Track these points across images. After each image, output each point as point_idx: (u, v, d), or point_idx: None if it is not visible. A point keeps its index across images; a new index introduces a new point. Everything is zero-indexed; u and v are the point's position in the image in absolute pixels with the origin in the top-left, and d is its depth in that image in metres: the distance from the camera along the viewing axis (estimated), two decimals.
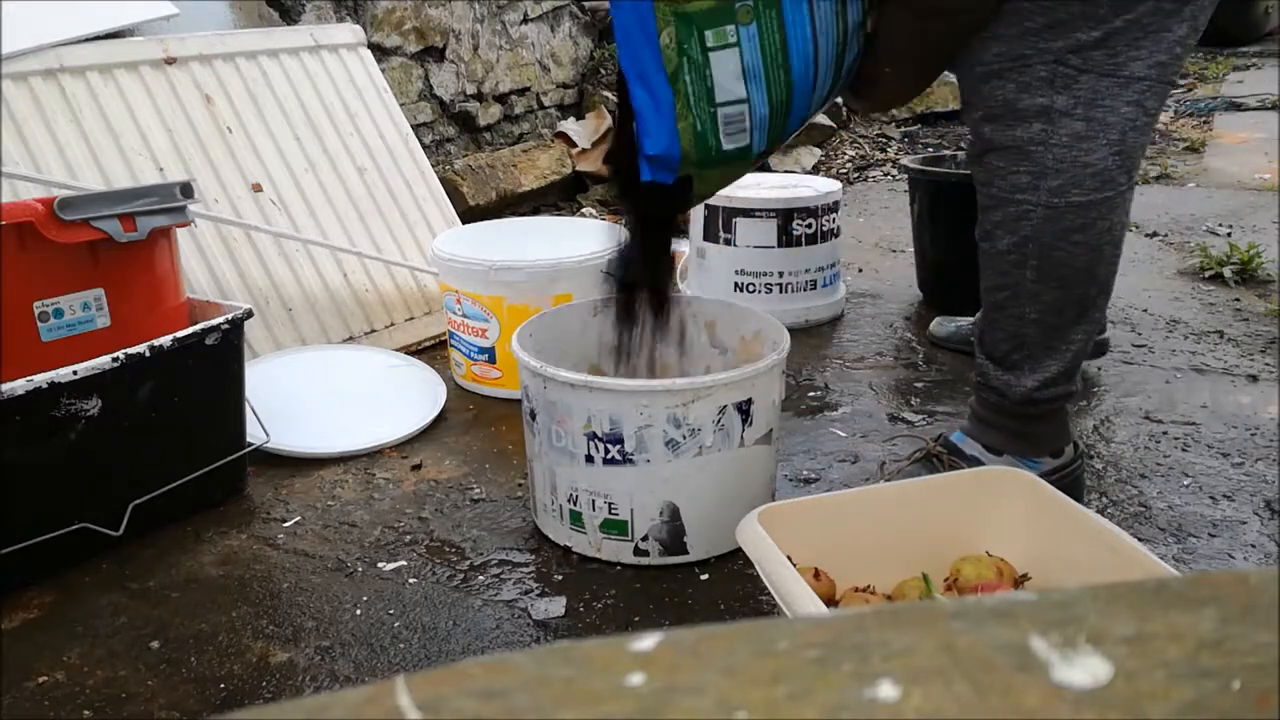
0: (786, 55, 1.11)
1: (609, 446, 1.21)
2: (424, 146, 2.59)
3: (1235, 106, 4.61)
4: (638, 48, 1.10)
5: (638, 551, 1.26)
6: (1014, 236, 1.18)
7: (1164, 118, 4.40)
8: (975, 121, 1.19)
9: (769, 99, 1.13)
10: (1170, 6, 1.07)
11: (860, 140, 4.20)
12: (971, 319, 1.98)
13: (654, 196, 1.19)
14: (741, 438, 1.24)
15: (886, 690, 0.23)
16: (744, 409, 1.22)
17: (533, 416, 1.29)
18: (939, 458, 1.34)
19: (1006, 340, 1.25)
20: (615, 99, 1.22)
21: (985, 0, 1.10)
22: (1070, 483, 1.29)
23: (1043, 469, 1.26)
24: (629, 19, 1.09)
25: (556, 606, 1.19)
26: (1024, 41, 1.10)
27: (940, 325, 2.03)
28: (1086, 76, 1.09)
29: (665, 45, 1.08)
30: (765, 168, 2.98)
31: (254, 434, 1.52)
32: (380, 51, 2.82)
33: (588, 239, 1.87)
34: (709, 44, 1.08)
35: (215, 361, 1.40)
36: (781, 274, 2.12)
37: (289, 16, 2.58)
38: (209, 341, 1.37)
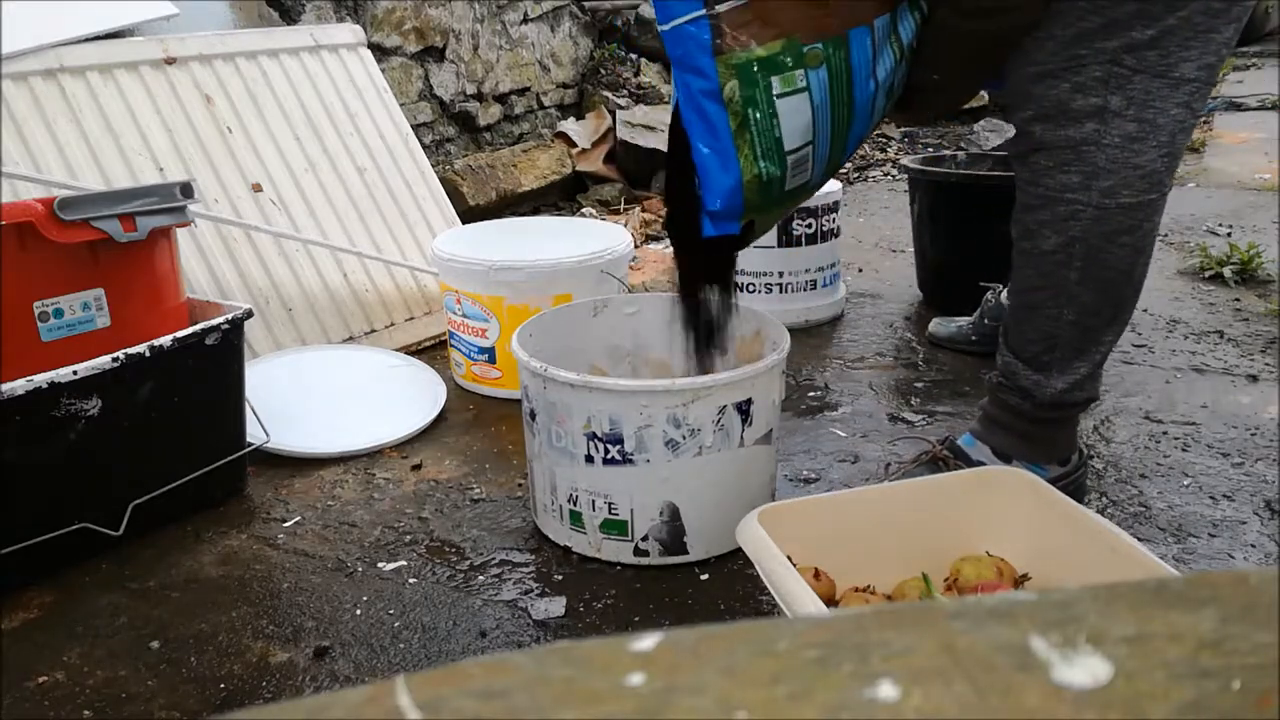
0: (851, 93, 1.10)
1: (609, 446, 1.21)
2: (424, 146, 2.60)
3: (1235, 106, 4.61)
4: (702, 104, 1.06)
5: (638, 551, 1.26)
6: (1061, 237, 1.17)
7: None
8: (1024, 121, 1.18)
9: (832, 136, 1.12)
10: (1219, 5, 1.07)
11: None
12: (969, 318, 1.98)
13: (715, 244, 1.18)
14: (741, 438, 1.23)
15: (886, 690, 0.23)
16: (744, 409, 1.22)
17: (533, 416, 1.29)
18: (944, 461, 1.34)
19: (1039, 340, 1.24)
20: (665, 151, 1.19)
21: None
22: (1073, 489, 1.29)
23: (1049, 476, 1.26)
24: (691, 76, 1.06)
25: (556, 606, 1.19)
26: (1080, 42, 1.09)
27: (940, 325, 2.03)
28: (1140, 77, 1.09)
29: (729, 99, 1.05)
30: None
31: (254, 434, 1.52)
32: (380, 51, 2.82)
33: (588, 239, 1.87)
34: (776, 91, 1.05)
35: (215, 361, 1.40)
36: (781, 274, 2.12)
37: (289, 16, 2.58)
38: (209, 341, 1.37)
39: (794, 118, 1.07)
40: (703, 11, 1.03)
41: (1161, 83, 1.09)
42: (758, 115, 1.06)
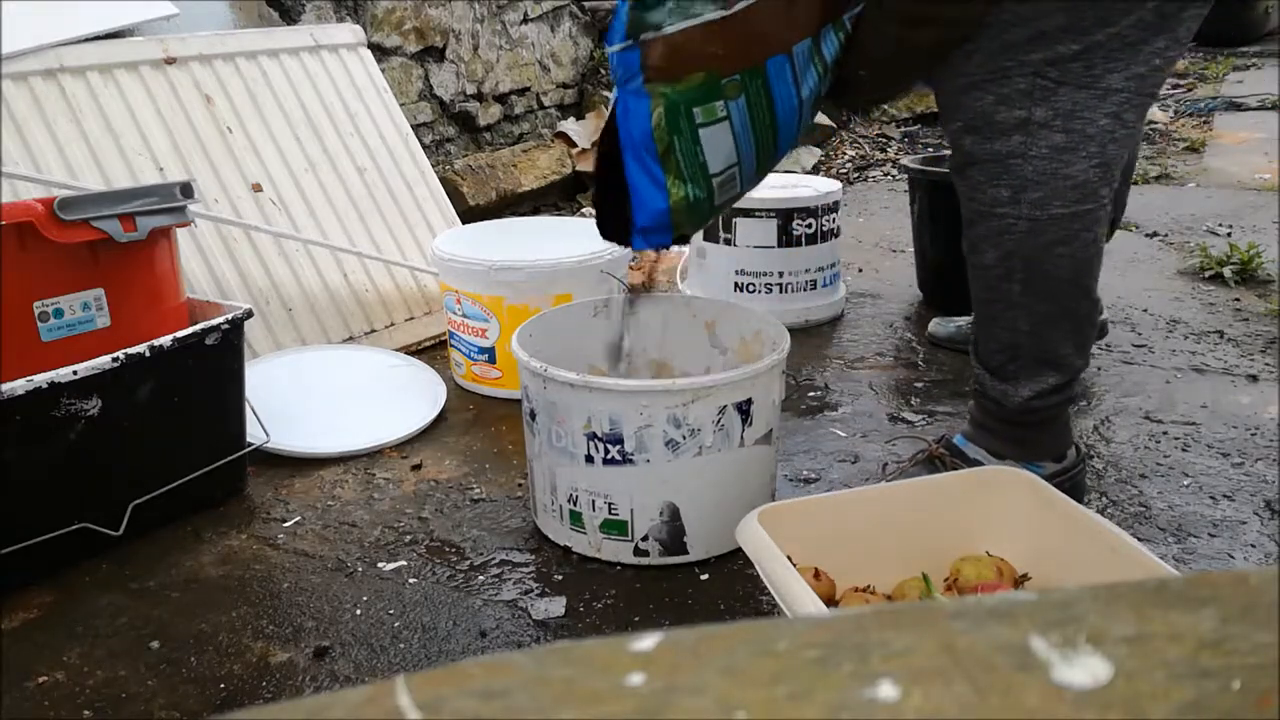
0: (774, 115, 1.13)
1: (609, 446, 1.21)
2: (424, 146, 2.60)
3: (1235, 106, 4.61)
4: (634, 127, 1.12)
5: (638, 551, 1.26)
6: (998, 251, 1.18)
7: (1164, 118, 4.40)
8: (955, 134, 1.19)
9: (757, 154, 1.15)
10: (1151, 19, 1.07)
11: (860, 140, 4.20)
12: (969, 318, 1.98)
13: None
14: (741, 438, 1.23)
15: (886, 690, 0.23)
16: (744, 409, 1.22)
17: (533, 416, 1.29)
18: (941, 460, 1.34)
19: (1001, 351, 1.24)
20: (594, 175, 1.25)
21: (971, 10, 1.09)
22: (1071, 486, 1.29)
23: (1045, 473, 1.26)
24: (628, 97, 1.11)
25: (556, 606, 1.19)
26: (1005, 53, 1.10)
27: (940, 325, 2.03)
28: (1065, 89, 1.09)
29: (655, 125, 1.10)
30: None
31: (254, 434, 1.52)
32: (380, 51, 2.82)
33: (588, 239, 1.86)
34: (698, 121, 1.10)
35: (215, 361, 1.40)
36: (781, 274, 2.12)
37: (289, 16, 2.58)
38: (209, 341, 1.37)
39: (717, 145, 1.12)
40: (631, 42, 1.08)
41: (1088, 94, 1.09)
42: (682, 143, 1.11)
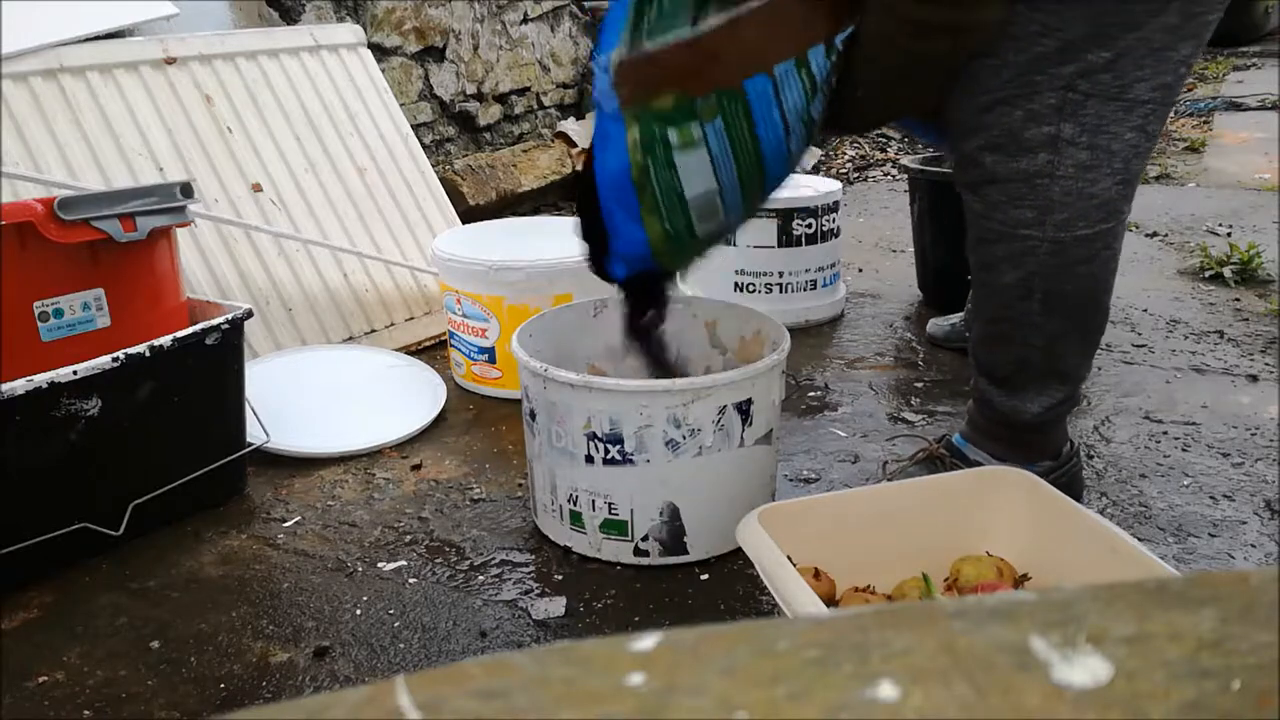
0: (756, 138, 1.08)
1: (609, 447, 1.21)
2: (424, 146, 2.59)
3: (1235, 106, 4.61)
4: (610, 155, 1.08)
5: (638, 551, 1.26)
6: (1019, 271, 1.15)
7: None
8: (974, 150, 1.14)
9: (741, 180, 1.10)
10: (1175, 21, 1.04)
11: (860, 140, 4.20)
12: (962, 314, 1.97)
13: (634, 280, 1.20)
14: (741, 438, 1.23)
15: (886, 690, 0.23)
16: (744, 409, 1.22)
17: (533, 417, 1.29)
18: (941, 459, 1.34)
19: (1009, 365, 1.23)
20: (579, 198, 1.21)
21: (989, 14, 1.05)
22: (1068, 480, 1.29)
23: (1042, 469, 1.26)
24: (606, 122, 1.08)
25: (556, 606, 1.19)
26: (1035, 68, 1.06)
27: (937, 325, 2.03)
28: (1093, 101, 1.06)
29: (631, 148, 1.06)
30: None
31: (254, 434, 1.52)
32: (380, 51, 2.82)
33: None
34: (674, 143, 1.05)
35: (215, 361, 1.40)
36: (781, 274, 2.12)
37: (289, 16, 2.58)
38: (209, 341, 1.37)
39: (694, 170, 1.07)
40: (605, 60, 1.04)
41: (1115, 106, 1.06)
42: (657, 168, 1.06)
